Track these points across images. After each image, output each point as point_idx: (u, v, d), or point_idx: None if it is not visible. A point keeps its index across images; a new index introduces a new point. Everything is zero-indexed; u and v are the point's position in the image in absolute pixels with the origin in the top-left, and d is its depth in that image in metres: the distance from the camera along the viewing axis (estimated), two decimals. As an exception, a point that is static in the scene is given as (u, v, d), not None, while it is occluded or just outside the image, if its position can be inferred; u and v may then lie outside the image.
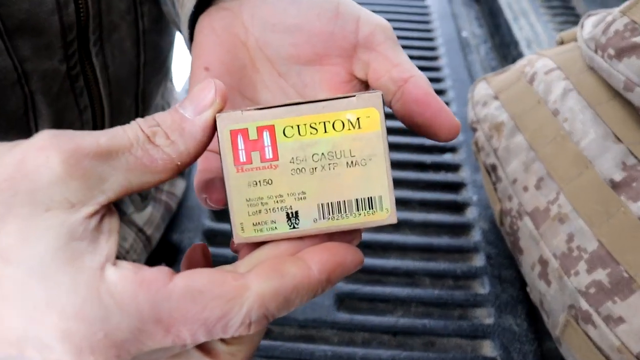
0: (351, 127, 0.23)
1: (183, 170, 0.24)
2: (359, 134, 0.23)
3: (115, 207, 0.46)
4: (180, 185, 0.66)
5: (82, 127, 0.45)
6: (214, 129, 0.23)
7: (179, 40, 0.56)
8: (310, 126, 0.23)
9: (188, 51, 0.34)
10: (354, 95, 0.23)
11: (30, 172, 0.20)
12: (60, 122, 0.43)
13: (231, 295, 0.21)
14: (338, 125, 0.23)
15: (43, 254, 0.20)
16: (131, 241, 0.56)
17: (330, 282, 0.23)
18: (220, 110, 0.23)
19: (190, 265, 0.26)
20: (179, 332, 0.21)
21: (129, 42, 0.46)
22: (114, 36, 0.44)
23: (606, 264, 0.42)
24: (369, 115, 0.23)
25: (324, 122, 0.23)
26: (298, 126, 0.23)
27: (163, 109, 0.59)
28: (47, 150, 0.21)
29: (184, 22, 0.33)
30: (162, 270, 0.21)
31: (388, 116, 0.24)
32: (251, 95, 0.31)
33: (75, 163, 0.21)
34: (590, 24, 0.51)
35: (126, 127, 0.23)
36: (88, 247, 0.21)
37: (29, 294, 0.20)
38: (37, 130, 0.42)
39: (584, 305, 0.43)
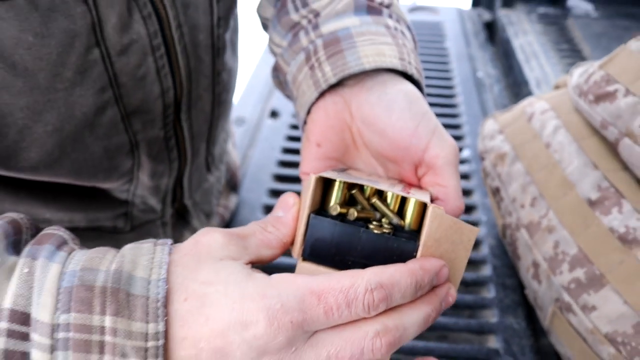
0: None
1: (288, 248, 0.35)
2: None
3: (184, 218, 0.57)
4: (233, 200, 0.75)
5: (170, 173, 0.54)
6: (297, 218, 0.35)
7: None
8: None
9: (300, 126, 0.43)
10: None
11: (206, 244, 0.32)
12: (154, 172, 0.52)
13: (353, 274, 0.30)
14: None
15: (231, 275, 0.31)
16: None
17: (426, 271, 0.31)
18: (298, 209, 0.35)
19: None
20: (327, 299, 0.29)
21: (208, 105, 0.54)
22: (199, 104, 0.52)
23: (583, 264, 0.49)
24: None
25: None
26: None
27: (224, 141, 0.68)
28: (211, 233, 0.33)
29: (302, 105, 0.41)
30: None
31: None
32: (350, 165, 0.42)
33: (230, 237, 0.33)
34: (577, 74, 0.58)
35: (248, 225, 0.35)
36: (253, 272, 0.31)
37: (230, 296, 0.29)
38: (138, 179, 0.51)
39: (566, 297, 0.50)
